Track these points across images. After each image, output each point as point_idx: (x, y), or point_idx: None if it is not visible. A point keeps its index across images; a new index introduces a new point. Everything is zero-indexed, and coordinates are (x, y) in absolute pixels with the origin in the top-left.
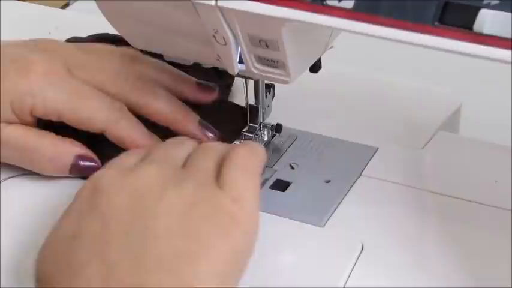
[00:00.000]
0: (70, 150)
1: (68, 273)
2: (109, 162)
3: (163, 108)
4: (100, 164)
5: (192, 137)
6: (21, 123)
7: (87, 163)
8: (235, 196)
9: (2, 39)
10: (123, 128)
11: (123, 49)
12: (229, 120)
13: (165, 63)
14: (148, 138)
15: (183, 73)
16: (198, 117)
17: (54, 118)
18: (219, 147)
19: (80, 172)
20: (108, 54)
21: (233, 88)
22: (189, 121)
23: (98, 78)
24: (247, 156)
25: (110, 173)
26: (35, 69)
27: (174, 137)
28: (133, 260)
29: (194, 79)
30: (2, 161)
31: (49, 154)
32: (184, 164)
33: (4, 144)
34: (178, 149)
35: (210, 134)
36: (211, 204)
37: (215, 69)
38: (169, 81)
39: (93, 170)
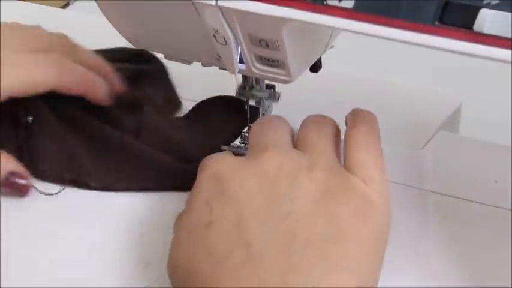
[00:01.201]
0: (3, 167)
1: (210, 263)
2: (208, 160)
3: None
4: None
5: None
6: None
7: (20, 180)
8: (366, 178)
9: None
10: (68, 77)
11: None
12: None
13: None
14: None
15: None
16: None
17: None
18: (329, 121)
19: (12, 189)
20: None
21: (233, 88)
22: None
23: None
24: (368, 134)
25: (228, 160)
26: None
27: (263, 118)
28: (279, 245)
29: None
30: None
31: None
32: (296, 144)
33: None
34: (279, 130)
35: None
36: (345, 188)
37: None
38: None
39: (25, 187)
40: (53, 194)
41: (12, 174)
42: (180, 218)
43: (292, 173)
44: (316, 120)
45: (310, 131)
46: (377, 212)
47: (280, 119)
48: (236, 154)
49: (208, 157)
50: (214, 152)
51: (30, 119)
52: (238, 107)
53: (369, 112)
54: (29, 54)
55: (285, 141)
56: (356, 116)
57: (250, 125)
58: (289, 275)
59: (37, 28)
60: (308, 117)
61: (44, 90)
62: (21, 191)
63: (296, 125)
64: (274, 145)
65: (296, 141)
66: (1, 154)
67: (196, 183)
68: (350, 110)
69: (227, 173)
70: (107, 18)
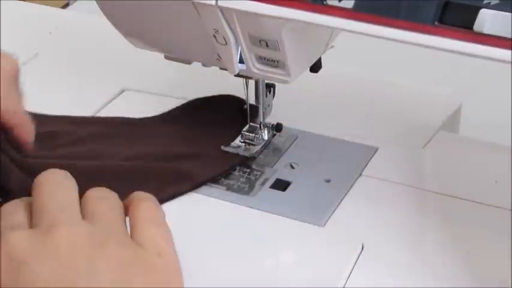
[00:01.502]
0: None
1: None
2: None
3: None
4: None
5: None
6: None
7: None
8: (159, 251)
9: (2, 39)
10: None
11: None
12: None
13: None
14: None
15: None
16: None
17: None
18: (115, 196)
19: None
20: None
21: (233, 88)
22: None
23: None
24: (152, 208)
25: (22, 238)
26: None
27: (46, 175)
28: None
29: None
30: None
31: None
32: (83, 216)
33: None
34: (64, 195)
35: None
36: (141, 263)
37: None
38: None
39: None
40: None
41: None
42: None
43: (88, 253)
44: (102, 195)
45: (98, 201)
46: (168, 282)
47: (63, 174)
48: (235, 154)
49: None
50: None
51: None
52: (237, 106)
53: (145, 193)
54: None
55: (72, 209)
56: (133, 197)
57: (251, 123)
58: None
59: None
60: (92, 190)
61: None
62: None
63: (296, 125)
64: (62, 218)
65: (84, 212)
66: None
67: None
68: (350, 110)
69: (20, 258)
70: (107, 18)
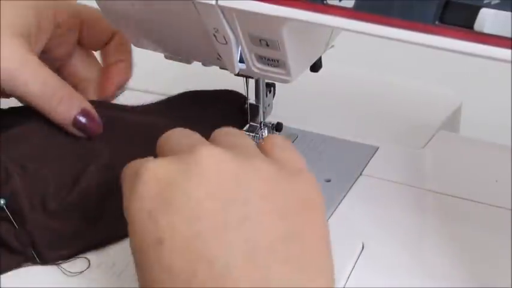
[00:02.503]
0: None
1: (173, 285)
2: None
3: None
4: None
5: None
6: None
7: (90, 122)
8: (298, 168)
9: None
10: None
11: None
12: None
13: None
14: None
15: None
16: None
17: None
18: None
19: (79, 129)
20: None
21: (233, 88)
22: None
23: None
24: (282, 138)
25: (162, 163)
26: None
27: (173, 131)
28: (243, 257)
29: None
30: None
31: None
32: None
33: None
34: (193, 135)
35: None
36: (286, 176)
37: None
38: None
39: (92, 129)
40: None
41: (84, 113)
42: (129, 231)
43: (235, 170)
44: (229, 130)
45: (229, 136)
46: (321, 205)
47: (186, 129)
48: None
49: (134, 162)
50: None
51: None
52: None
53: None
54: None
55: (204, 139)
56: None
57: (251, 123)
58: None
59: None
60: (219, 130)
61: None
62: (87, 132)
63: (297, 125)
64: (201, 142)
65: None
66: (74, 91)
67: (130, 192)
68: (350, 110)
69: (166, 178)
70: (107, 18)
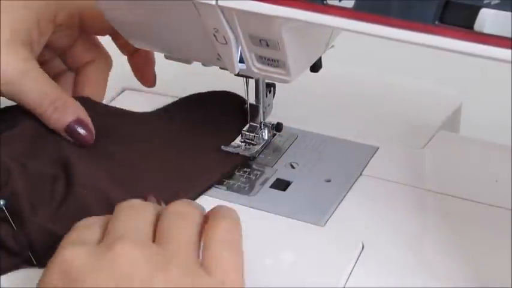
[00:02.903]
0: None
1: None
2: (67, 237)
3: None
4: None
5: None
6: None
7: (82, 130)
8: (224, 279)
9: None
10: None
11: None
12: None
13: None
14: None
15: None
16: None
17: None
18: (194, 213)
19: (73, 137)
20: None
21: (233, 88)
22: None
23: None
24: (231, 230)
25: (80, 253)
26: None
27: (129, 202)
28: None
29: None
30: None
31: None
32: (156, 235)
33: None
34: (141, 218)
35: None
36: None
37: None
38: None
39: (85, 138)
40: None
41: (78, 122)
42: None
43: (148, 272)
44: (180, 211)
45: (170, 222)
46: None
47: (143, 204)
48: (235, 154)
49: (66, 239)
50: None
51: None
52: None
53: (230, 208)
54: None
55: (142, 230)
56: (218, 212)
57: (251, 123)
58: None
59: None
60: (173, 204)
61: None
62: (80, 141)
63: (297, 125)
64: (129, 236)
65: (158, 230)
66: (70, 99)
67: (47, 271)
68: (350, 110)
69: (79, 271)
70: (107, 18)
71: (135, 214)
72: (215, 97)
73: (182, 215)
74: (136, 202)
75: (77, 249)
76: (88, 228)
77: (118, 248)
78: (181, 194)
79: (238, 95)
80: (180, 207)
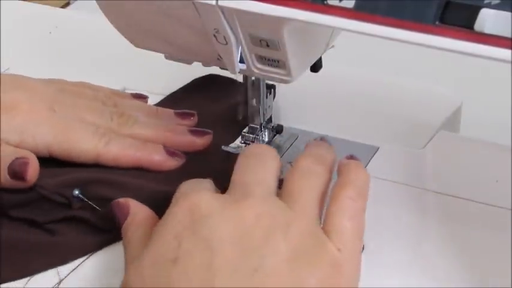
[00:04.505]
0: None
1: None
2: (183, 187)
3: (144, 132)
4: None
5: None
6: None
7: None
8: (342, 246)
9: (2, 39)
10: (114, 148)
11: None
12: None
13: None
14: (143, 149)
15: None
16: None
17: (44, 153)
18: (323, 171)
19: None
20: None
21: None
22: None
23: (80, 114)
24: (355, 200)
25: (207, 197)
26: (20, 107)
27: (254, 149)
28: None
29: (183, 127)
30: None
31: None
32: (283, 188)
33: None
34: (268, 170)
35: (200, 140)
36: (318, 253)
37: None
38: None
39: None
40: None
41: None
42: (148, 246)
43: (269, 228)
44: (308, 168)
45: (298, 180)
46: (344, 281)
47: (269, 151)
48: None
49: (187, 184)
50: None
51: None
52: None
53: (362, 172)
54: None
55: (270, 184)
56: (348, 174)
57: (251, 125)
58: None
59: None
60: (302, 160)
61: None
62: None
63: (297, 125)
64: (257, 190)
65: (283, 186)
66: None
67: (170, 213)
68: (350, 110)
69: (204, 211)
70: (107, 18)
71: (261, 164)
72: (200, 87)
73: (309, 174)
74: (260, 149)
75: (204, 192)
76: (200, 182)
77: (244, 202)
78: None
79: (218, 75)
80: (309, 162)
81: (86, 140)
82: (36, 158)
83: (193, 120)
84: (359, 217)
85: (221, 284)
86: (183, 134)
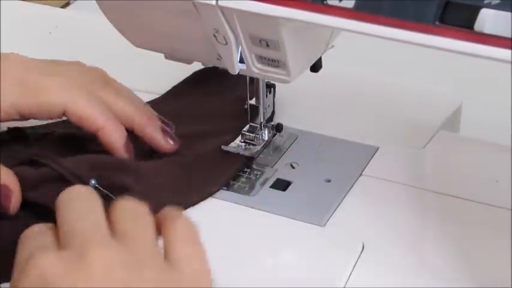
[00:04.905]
0: None
1: None
2: (24, 246)
3: (126, 107)
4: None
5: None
6: None
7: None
8: (193, 275)
9: (2, 39)
10: (81, 104)
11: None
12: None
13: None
14: (108, 117)
15: (150, 110)
16: (159, 123)
17: (15, 115)
18: (145, 210)
19: None
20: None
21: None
22: (151, 125)
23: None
24: (188, 226)
25: (52, 259)
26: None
27: (70, 193)
28: None
29: (159, 122)
30: None
31: None
32: (115, 233)
33: None
34: (92, 212)
35: (171, 142)
36: (178, 285)
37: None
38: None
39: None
40: None
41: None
42: None
43: (124, 277)
44: (132, 208)
45: (129, 220)
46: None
47: (86, 191)
48: (236, 155)
49: (29, 240)
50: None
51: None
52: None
53: (175, 209)
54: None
55: (104, 229)
56: (166, 215)
57: (251, 123)
58: None
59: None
60: (121, 204)
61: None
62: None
63: (297, 125)
64: (96, 239)
65: (116, 228)
66: None
67: (17, 277)
68: (350, 110)
69: (54, 278)
70: (107, 18)
71: (85, 208)
72: (201, 81)
73: (135, 215)
74: (77, 191)
75: (51, 256)
76: (41, 233)
77: (89, 255)
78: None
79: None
80: (129, 206)
81: (54, 92)
82: (19, 188)
83: (171, 131)
84: (199, 243)
85: None
86: (155, 129)
